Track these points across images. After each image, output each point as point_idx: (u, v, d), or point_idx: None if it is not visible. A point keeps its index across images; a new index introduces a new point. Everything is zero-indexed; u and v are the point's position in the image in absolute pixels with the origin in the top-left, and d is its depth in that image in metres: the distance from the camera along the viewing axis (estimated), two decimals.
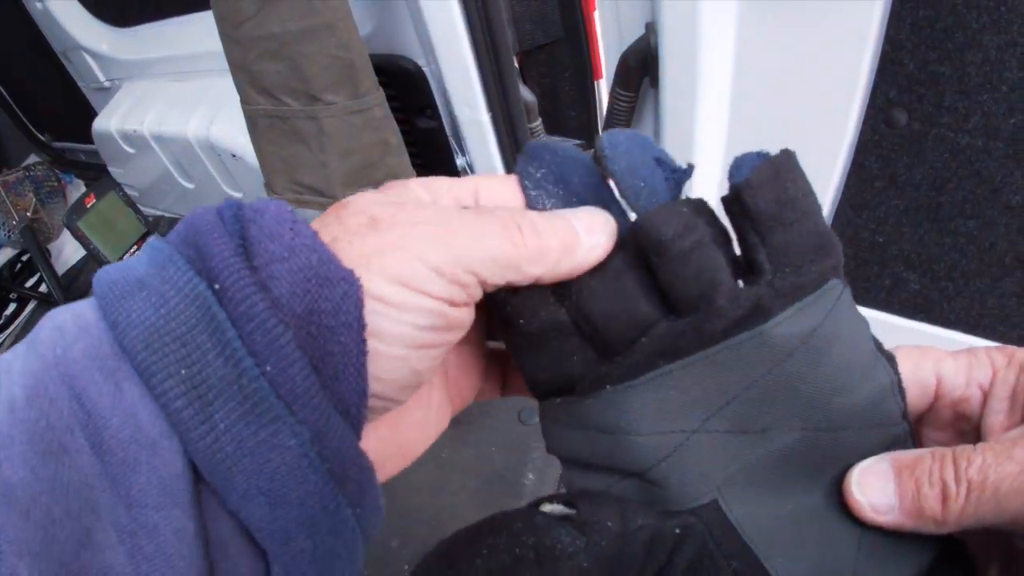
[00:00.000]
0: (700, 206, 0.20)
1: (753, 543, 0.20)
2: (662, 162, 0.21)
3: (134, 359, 0.15)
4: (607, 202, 0.21)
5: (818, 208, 0.20)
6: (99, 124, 1.23)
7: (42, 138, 1.65)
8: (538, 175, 0.22)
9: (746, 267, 0.20)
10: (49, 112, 1.58)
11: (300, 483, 0.16)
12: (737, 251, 0.21)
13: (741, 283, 0.20)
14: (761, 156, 0.20)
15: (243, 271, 0.16)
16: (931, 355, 0.22)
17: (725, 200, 0.20)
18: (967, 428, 0.22)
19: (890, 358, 0.21)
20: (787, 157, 0.20)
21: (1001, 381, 0.21)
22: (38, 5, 1.23)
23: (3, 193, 1.45)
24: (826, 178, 0.63)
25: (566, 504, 0.20)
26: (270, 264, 0.16)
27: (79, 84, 1.38)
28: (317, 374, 0.16)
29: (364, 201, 0.19)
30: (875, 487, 0.20)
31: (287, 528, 0.16)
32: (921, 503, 0.19)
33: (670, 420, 0.20)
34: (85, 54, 1.26)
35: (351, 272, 0.16)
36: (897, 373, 0.21)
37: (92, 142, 1.31)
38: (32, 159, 1.66)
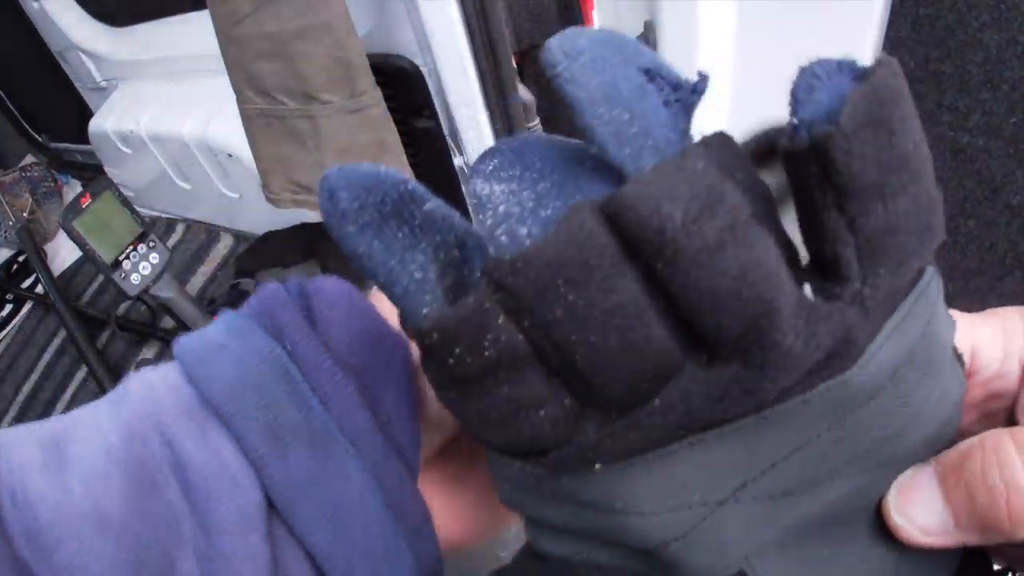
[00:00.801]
0: (723, 148, 0.13)
1: None
2: (656, 76, 0.13)
3: (217, 409, 0.18)
4: (579, 171, 0.14)
5: (929, 160, 0.13)
6: (95, 124, 1.23)
7: (39, 139, 1.64)
8: (489, 168, 0.15)
9: (813, 261, 0.13)
10: (46, 112, 1.58)
11: (362, 512, 0.18)
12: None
13: (808, 290, 0.13)
14: (847, 69, 0.12)
15: (310, 332, 0.18)
16: (960, 323, 0.17)
17: (786, 154, 0.12)
18: (997, 408, 0.18)
19: (960, 358, 0.16)
20: (894, 77, 0.12)
21: None
22: (34, 5, 1.23)
23: None
24: None
25: None
26: (330, 328, 0.18)
27: (75, 84, 1.37)
28: (375, 420, 0.18)
29: None
30: (919, 505, 0.16)
31: (349, 557, 0.18)
32: (982, 512, 0.15)
33: (688, 495, 0.14)
34: (81, 54, 1.25)
35: (399, 334, 0.19)
36: (964, 381, 0.16)
37: (89, 142, 1.30)
38: (29, 160, 1.66)
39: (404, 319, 0.14)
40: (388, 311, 0.19)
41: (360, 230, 0.13)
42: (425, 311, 0.13)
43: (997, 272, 0.69)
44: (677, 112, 0.13)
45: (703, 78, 0.14)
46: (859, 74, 0.12)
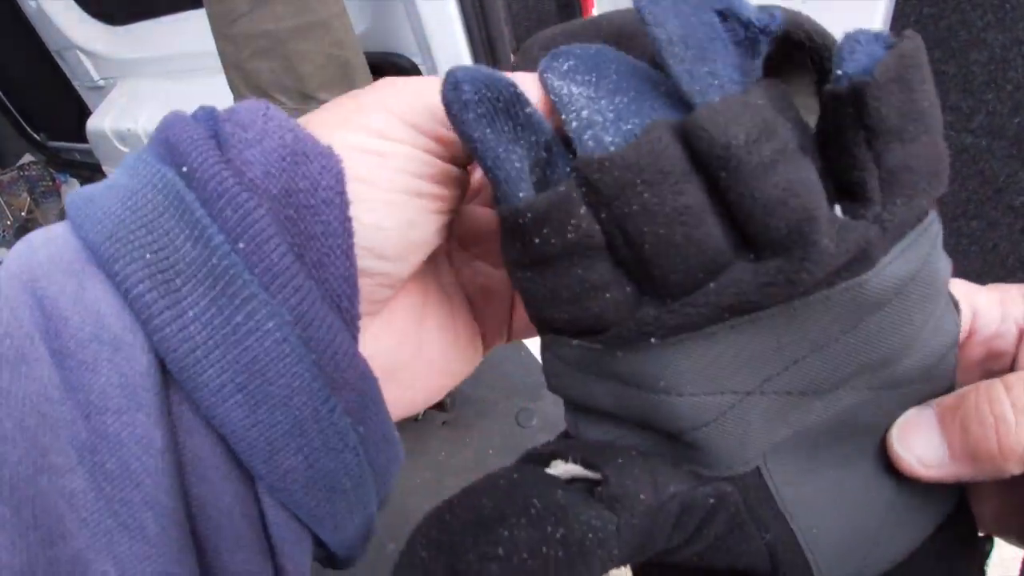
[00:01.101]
0: (778, 92, 0.16)
1: (790, 514, 0.17)
2: (730, 16, 0.16)
3: (97, 252, 0.14)
4: (653, 94, 0.16)
5: (940, 120, 0.16)
6: (93, 123, 1.23)
7: (37, 137, 1.64)
8: (564, 67, 0.17)
9: (837, 189, 0.16)
10: (44, 111, 1.57)
11: (282, 375, 0.14)
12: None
13: (839, 210, 0.16)
14: (881, 39, 0.15)
15: (212, 151, 0.15)
16: (960, 288, 0.19)
17: (831, 96, 0.15)
18: (998, 368, 0.20)
19: (956, 305, 0.18)
20: (917, 49, 0.15)
21: None
22: (32, 4, 1.22)
23: None
24: None
25: (584, 464, 0.16)
26: (243, 151, 0.15)
27: (74, 83, 1.37)
28: (300, 261, 0.15)
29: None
30: (919, 439, 0.17)
31: (271, 437, 0.14)
32: (974, 444, 0.16)
33: (723, 380, 0.16)
34: (79, 53, 1.25)
35: (329, 147, 0.15)
36: (959, 324, 0.18)
37: (87, 141, 1.30)
38: (27, 159, 1.66)
39: (500, 200, 0.16)
40: (316, 124, 0.16)
41: (477, 118, 0.15)
42: (521, 194, 0.15)
43: (999, 273, 0.68)
44: (746, 50, 0.16)
45: (773, 18, 0.16)
46: (890, 44, 0.15)
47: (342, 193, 0.15)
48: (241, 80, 0.71)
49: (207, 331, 0.14)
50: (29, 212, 1.48)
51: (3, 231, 1.49)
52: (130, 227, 0.14)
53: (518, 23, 0.65)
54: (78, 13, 1.22)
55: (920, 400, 0.18)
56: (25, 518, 0.13)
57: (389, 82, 0.17)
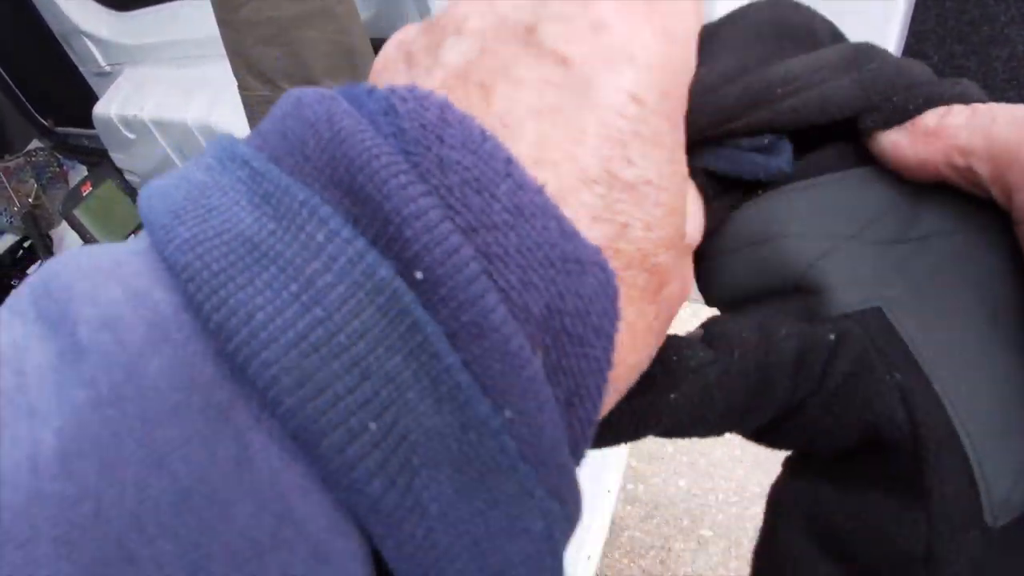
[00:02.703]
0: None
1: (920, 357, 0.16)
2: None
3: (275, 409, 0.09)
4: None
5: None
6: (99, 109, 1.22)
7: (44, 123, 1.64)
8: None
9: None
10: (50, 97, 1.57)
11: (532, 572, 0.11)
12: None
13: None
14: None
15: (463, 245, 0.10)
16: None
17: None
18: None
19: None
20: None
21: None
22: None
23: (4, 179, 1.44)
24: None
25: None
26: (482, 229, 0.10)
27: (80, 69, 1.36)
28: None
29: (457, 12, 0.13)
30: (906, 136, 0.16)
31: None
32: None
33: (826, 223, 0.17)
34: (86, 39, 1.24)
35: (598, 249, 0.11)
36: None
37: (94, 127, 1.29)
38: (34, 145, 1.65)
39: None
40: (580, 219, 0.11)
41: None
42: None
43: None
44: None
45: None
46: None
47: (615, 320, 0.11)
48: (244, 67, 0.70)
49: (453, 536, 0.10)
50: (36, 198, 1.48)
51: (10, 217, 1.49)
52: (331, 365, 0.09)
53: None
54: None
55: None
56: None
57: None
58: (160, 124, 1.11)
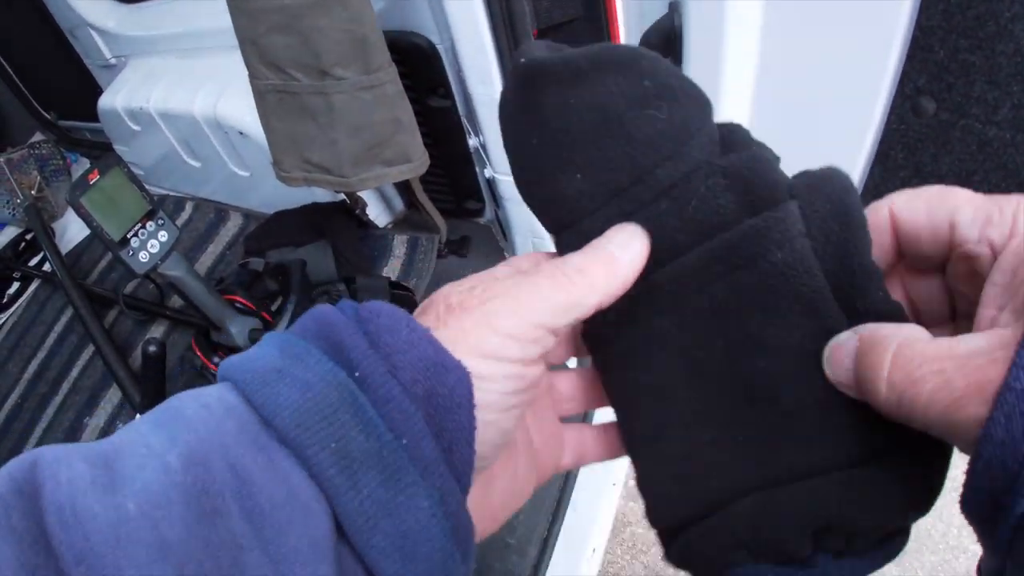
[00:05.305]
0: None
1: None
2: None
3: (285, 436, 0.18)
4: None
5: None
6: (104, 101, 1.22)
7: (47, 116, 1.63)
8: None
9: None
10: (55, 90, 1.57)
11: (428, 540, 0.18)
12: None
13: None
14: None
15: (379, 361, 0.19)
16: (951, 200, 0.20)
17: None
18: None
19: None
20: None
21: (1010, 254, 0.18)
22: None
23: (7, 171, 1.44)
24: (850, 166, 0.61)
25: None
26: (392, 355, 0.19)
27: (85, 61, 1.36)
28: (442, 453, 0.19)
29: (444, 292, 0.23)
30: (840, 367, 0.20)
31: None
32: (869, 398, 0.19)
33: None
34: (91, 31, 1.24)
35: (460, 362, 0.19)
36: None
37: (97, 120, 1.29)
38: (37, 137, 1.65)
39: None
40: (448, 340, 0.20)
41: None
42: None
43: None
44: None
45: None
46: None
47: (471, 399, 0.19)
48: (256, 55, 0.70)
49: (377, 507, 0.18)
50: (39, 191, 1.48)
51: (12, 209, 1.49)
52: (314, 418, 0.18)
53: (539, 1, 0.64)
54: None
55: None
56: None
57: (488, 295, 0.21)
58: (166, 116, 1.11)
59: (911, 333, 0.18)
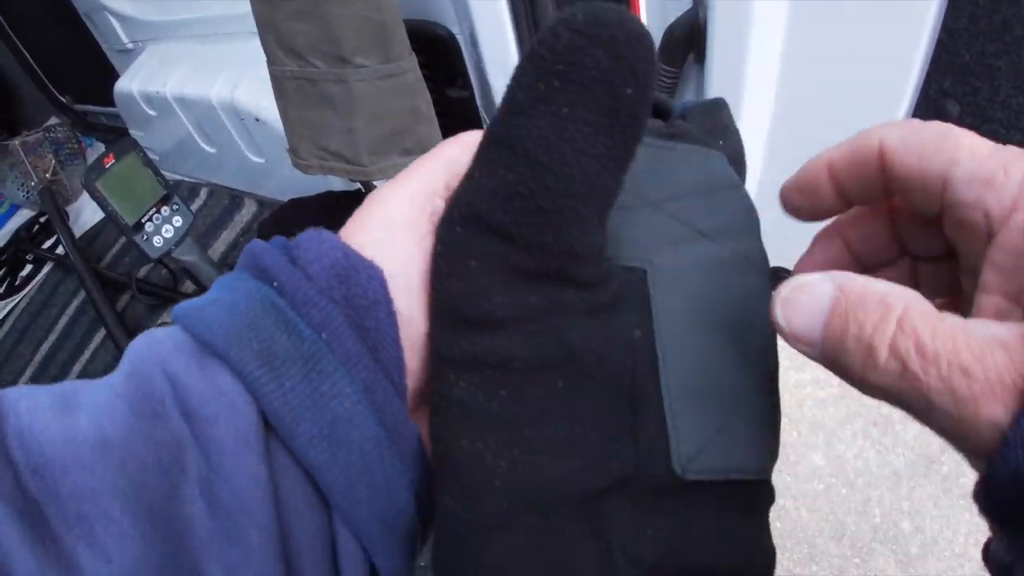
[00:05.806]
0: None
1: (656, 316, 0.20)
2: None
3: (216, 349, 0.19)
4: None
5: None
6: (121, 86, 1.22)
7: (63, 100, 1.64)
8: None
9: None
10: (71, 74, 1.57)
11: (357, 427, 0.19)
12: None
13: None
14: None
15: (295, 271, 0.20)
16: (949, 147, 0.17)
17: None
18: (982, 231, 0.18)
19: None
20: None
21: (1015, 233, 0.16)
22: None
23: (23, 154, 1.45)
24: None
25: None
26: (308, 266, 0.20)
27: (102, 46, 1.37)
28: (365, 346, 0.19)
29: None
30: (804, 315, 0.17)
31: (348, 474, 0.19)
32: (844, 357, 0.16)
33: (637, 185, 0.22)
34: (109, 15, 1.24)
35: (371, 261, 0.20)
36: None
37: (114, 105, 1.30)
38: (53, 120, 1.66)
39: None
40: (360, 245, 0.20)
41: None
42: None
43: None
44: None
45: None
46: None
47: (386, 295, 0.20)
48: (275, 41, 0.70)
49: (301, 398, 0.18)
50: (54, 174, 1.48)
51: (27, 192, 1.49)
52: (239, 327, 0.19)
53: None
54: None
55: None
56: (160, 532, 0.17)
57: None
58: (183, 101, 1.11)
59: (911, 297, 0.16)
